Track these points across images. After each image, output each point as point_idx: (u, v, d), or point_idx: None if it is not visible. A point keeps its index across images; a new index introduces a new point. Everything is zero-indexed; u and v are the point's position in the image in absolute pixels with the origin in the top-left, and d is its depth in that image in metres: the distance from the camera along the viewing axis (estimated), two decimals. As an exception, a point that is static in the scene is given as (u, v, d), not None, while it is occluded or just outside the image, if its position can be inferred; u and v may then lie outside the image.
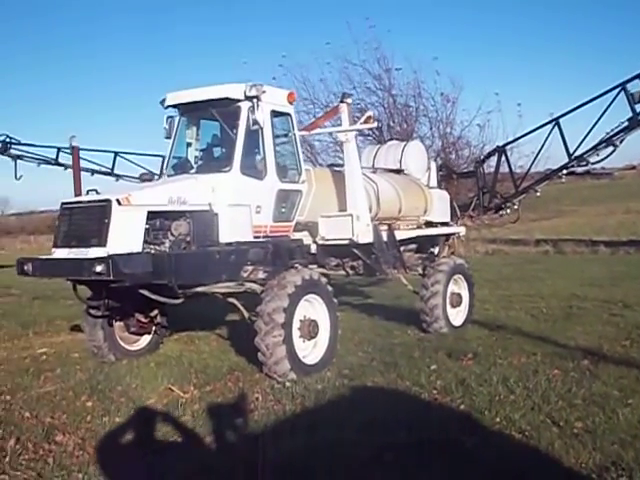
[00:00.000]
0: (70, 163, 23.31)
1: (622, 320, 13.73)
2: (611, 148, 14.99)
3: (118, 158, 24.26)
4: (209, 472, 6.70)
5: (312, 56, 32.82)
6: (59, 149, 24.18)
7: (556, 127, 15.66)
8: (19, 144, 24.61)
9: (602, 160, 15.45)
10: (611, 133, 14.57)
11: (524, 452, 6.90)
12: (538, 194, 16.77)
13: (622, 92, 14.44)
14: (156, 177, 12.90)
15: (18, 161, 24.87)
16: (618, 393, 8.57)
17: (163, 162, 20.38)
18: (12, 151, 24.55)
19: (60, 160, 24.48)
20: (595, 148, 14.93)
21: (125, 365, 11.46)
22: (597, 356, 10.61)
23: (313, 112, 29.57)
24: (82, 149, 22.40)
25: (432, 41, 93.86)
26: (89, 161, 22.87)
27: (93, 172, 23.60)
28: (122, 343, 12.07)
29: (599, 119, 14.86)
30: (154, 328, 12.37)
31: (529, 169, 18.50)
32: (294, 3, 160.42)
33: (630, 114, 14.40)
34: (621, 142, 14.78)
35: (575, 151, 15.16)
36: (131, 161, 24.01)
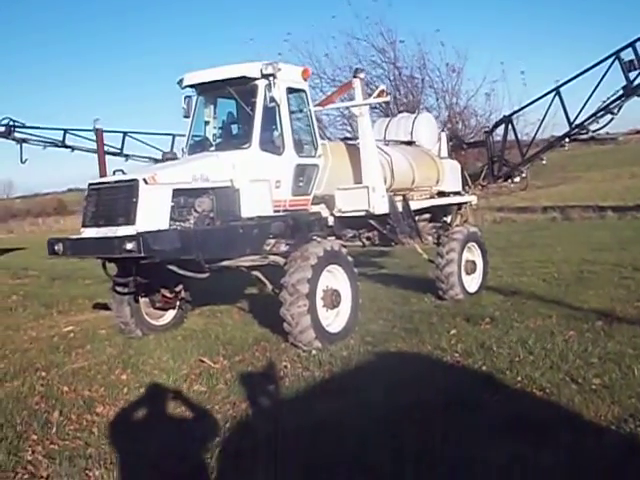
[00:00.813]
0: (77, 145, 23.71)
1: (633, 282, 14.02)
2: (610, 116, 15.20)
3: (127, 138, 24.38)
4: (249, 434, 7.08)
5: (317, 31, 33.06)
6: (65, 131, 24.23)
7: (557, 96, 15.89)
8: (23, 127, 24.53)
9: (602, 128, 15.72)
10: (607, 101, 14.78)
11: (546, 407, 7.25)
12: (544, 162, 17.06)
13: (616, 61, 14.59)
14: (166, 156, 13.19)
15: (23, 144, 24.77)
16: (632, 351, 8.90)
17: (173, 140, 20.80)
18: (16, 134, 24.41)
19: (67, 142, 24.52)
20: (594, 116, 15.14)
21: (153, 340, 11.83)
22: (610, 317, 10.94)
23: (320, 86, 29.81)
24: (87, 130, 22.84)
25: (435, 13, 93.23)
26: (95, 141, 22.32)
27: None
28: (148, 319, 12.43)
29: (596, 87, 15.13)
30: (178, 303, 12.71)
31: (534, 137, 18.77)
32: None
33: (625, 82, 14.58)
34: (619, 110, 14.98)
35: (575, 119, 15.40)
36: (141, 140, 24.11)
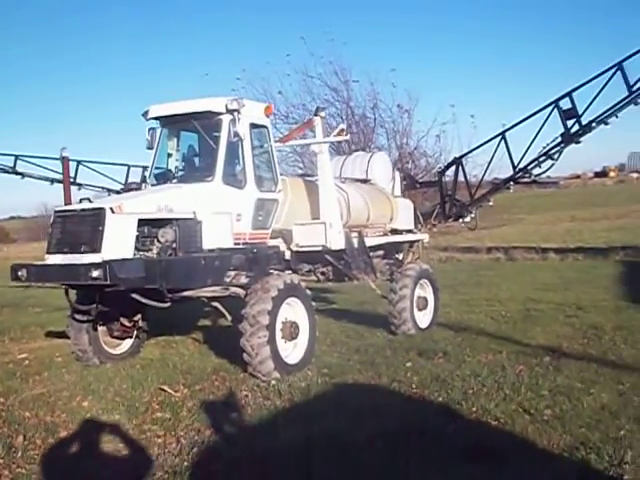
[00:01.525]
0: (28, 172, 23.19)
1: (577, 321, 14.52)
2: (551, 161, 15.70)
3: (80, 167, 24.06)
4: (217, 459, 7.28)
5: (272, 68, 33.43)
6: (17, 157, 23.21)
7: (503, 140, 16.38)
8: None
9: (544, 172, 16.15)
10: (547, 148, 15.27)
11: (501, 436, 7.60)
12: (491, 203, 17.46)
13: (555, 109, 15.11)
14: (130, 186, 13.33)
15: None
16: (580, 385, 9.32)
17: (128, 171, 20.82)
18: None
19: (17, 169, 23.27)
20: (536, 161, 15.61)
21: (111, 368, 11.90)
22: (558, 353, 11.40)
23: (274, 123, 30.14)
24: (40, 157, 22.46)
25: (388, 52, 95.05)
26: (48, 169, 22.47)
27: (52, 181, 22.94)
28: (106, 347, 12.49)
29: (537, 134, 15.54)
30: (136, 332, 12.82)
31: (482, 179, 19.15)
32: (253, 17, 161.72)
33: (562, 130, 15.10)
34: (559, 156, 15.43)
35: (519, 163, 15.84)
36: (95, 170, 23.76)
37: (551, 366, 10.51)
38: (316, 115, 13.17)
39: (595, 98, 14.35)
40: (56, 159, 21.55)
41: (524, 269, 27.35)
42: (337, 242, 12.80)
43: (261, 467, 6.84)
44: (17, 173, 23.00)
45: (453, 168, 18.13)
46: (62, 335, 13.86)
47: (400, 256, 15.89)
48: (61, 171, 21.51)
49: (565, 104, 15.06)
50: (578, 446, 7.06)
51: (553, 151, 15.20)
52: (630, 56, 14.24)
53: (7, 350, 14.50)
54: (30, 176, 22.86)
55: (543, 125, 15.32)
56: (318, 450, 7.20)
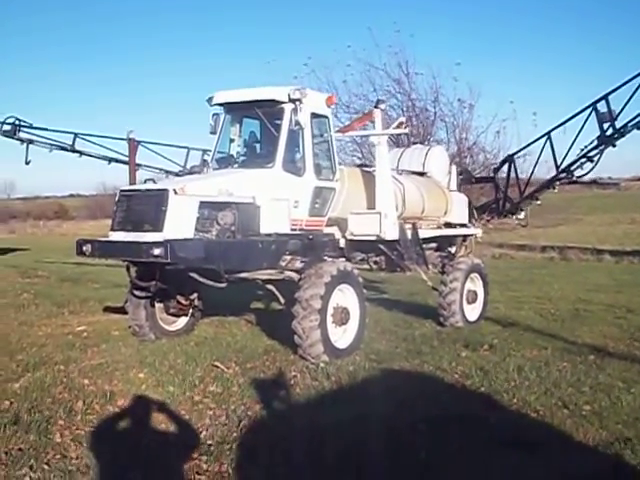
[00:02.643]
0: (87, 150, 23.20)
1: (625, 322, 14.64)
2: (591, 163, 15.57)
3: (139, 148, 24.05)
4: (264, 433, 7.66)
5: (336, 58, 33.32)
6: (76, 135, 22.77)
7: (548, 140, 16.32)
8: (30, 127, 23.03)
9: (586, 174, 15.98)
10: (585, 150, 15.20)
11: (539, 428, 7.84)
12: (539, 202, 17.37)
13: (593, 112, 15.00)
14: (184, 170, 13.70)
15: (29, 145, 23.09)
16: (622, 384, 9.49)
17: (188, 153, 21.18)
18: (22, 134, 22.93)
19: (76, 147, 22.89)
20: (575, 163, 15.53)
21: (166, 343, 12.33)
22: (602, 352, 11.55)
23: (335, 112, 30.35)
24: (99, 136, 22.60)
25: (452, 46, 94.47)
26: (108, 148, 22.34)
27: (110, 160, 22.79)
28: (162, 323, 12.96)
29: (576, 136, 15.39)
30: (191, 311, 13.26)
31: (530, 177, 18.95)
32: (319, 8, 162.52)
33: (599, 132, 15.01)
34: (599, 158, 15.24)
35: (561, 164, 15.81)
36: (154, 151, 23.82)
37: (594, 364, 10.68)
38: (376, 107, 13.44)
39: (628, 102, 14.25)
40: (115, 138, 21.83)
41: (578, 269, 27.36)
42: (391, 232, 13.06)
43: (306, 442, 7.16)
44: (75, 151, 22.86)
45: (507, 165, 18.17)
46: (119, 310, 14.42)
47: (453, 249, 16.10)
48: (119, 151, 22.06)
49: (603, 107, 14.97)
50: (613, 441, 7.26)
51: (592, 154, 15.12)
52: None
53: (67, 322, 15.05)
54: (88, 155, 22.73)
55: (582, 127, 15.25)
56: (362, 429, 7.51)
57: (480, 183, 20.15)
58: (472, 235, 16.40)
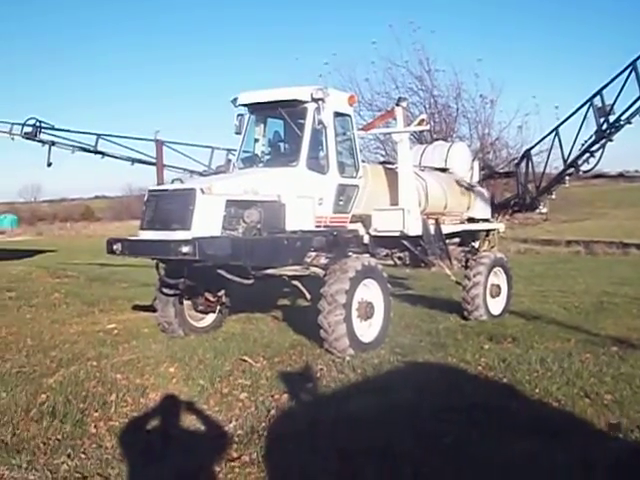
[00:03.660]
0: (110, 151, 23.09)
1: (650, 315, 14.71)
2: (595, 158, 15.51)
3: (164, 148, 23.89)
4: (291, 421, 7.90)
5: (358, 55, 33.42)
6: (99, 136, 22.24)
7: (556, 136, 16.33)
8: (52, 129, 22.60)
9: (592, 168, 15.85)
10: (586, 145, 15.18)
11: (561, 416, 8.03)
12: (553, 197, 17.34)
13: (591, 107, 14.95)
14: (210, 169, 13.92)
15: (52, 147, 22.55)
16: (644, 374, 9.64)
17: (212, 153, 21.35)
18: (43, 136, 22.42)
19: (99, 148, 22.29)
20: (580, 157, 15.48)
21: (195, 339, 12.63)
22: (625, 344, 11.69)
23: (358, 109, 30.50)
24: (120, 136, 22.44)
25: (473, 41, 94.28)
26: (130, 149, 21.95)
27: (133, 161, 22.33)
28: (190, 320, 13.27)
29: (579, 131, 15.23)
30: (219, 307, 13.55)
31: (543, 172, 18.93)
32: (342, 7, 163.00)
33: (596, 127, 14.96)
34: (602, 153, 15.13)
35: (568, 158, 15.83)
36: (178, 151, 23.63)
37: (617, 355, 10.82)
38: (398, 105, 13.65)
39: (618, 97, 14.18)
40: (139, 139, 21.64)
41: (603, 263, 27.42)
42: (414, 228, 13.28)
43: (333, 431, 7.40)
44: (98, 152, 22.43)
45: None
46: (148, 309, 14.75)
47: (476, 244, 16.28)
48: (142, 151, 22.15)
49: (600, 101, 14.83)
50: (634, 429, 7.41)
51: (593, 148, 15.09)
52: None
53: (97, 320, 15.39)
54: (111, 156, 22.51)
55: (582, 123, 15.19)
56: (387, 418, 7.74)
57: (501, 178, 20.23)
58: (495, 230, 16.56)
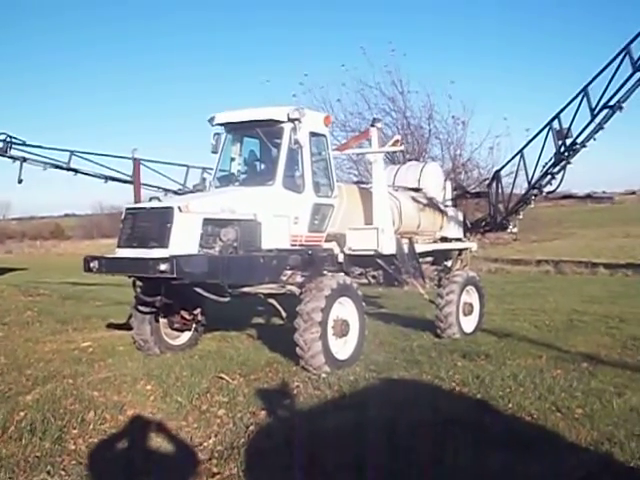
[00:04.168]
0: (81, 168, 22.55)
1: (618, 332, 14.98)
2: (556, 179, 15.74)
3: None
4: (270, 438, 8.00)
5: (331, 77, 33.69)
6: (72, 152, 21.81)
7: (521, 158, 16.56)
8: (24, 145, 21.96)
9: (555, 189, 16.10)
10: (546, 167, 15.43)
11: (533, 429, 8.20)
12: (520, 216, 17.51)
13: (550, 130, 15.19)
14: (185, 188, 14.04)
15: (23, 164, 21.78)
16: (613, 388, 9.87)
17: (187, 172, 21.38)
18: (14, 152, 21.71)
19: (72, 165, 21.77)
20: (544, 179, 15.71)
21: (171, 357, 12.67)
22: (595, 360, 11.92)
23: (331, 130, 30.69)
24: (95, 153, 22.05)
25: (445, 62, 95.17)
26: (104, 166, 21.46)
27: (107, 178, 21.83)
28: (166, 338, 13.30)
29: (540, 154, 15.39)
30: (195, 325, 13.60)
31: (511, 193, 19.06)
32: (312, 28, 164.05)
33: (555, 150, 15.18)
34: (563, 174, 15.30)
35: (531, 179, 16.04)
36: (153, 169, 23.38)
37: (587, 371, 11.05)
38: (372, 126, 13.86)
39: (572, 121, 14.41)
40: (114, 156, 21.53)
41: (572, 282, 27.71)
42: (388, 247, 13.47)
43: (310, 447, 7.51)
44: (71, 169, 21.98)
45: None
46: (122, 327, 14.80)
47: (449, 263, 16.48)
48: (116, 169, 21.82)
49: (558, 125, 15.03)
50: (604, 441, 7.62)
51: (554, 170, 15.30)
52: (595, 77, 14.10)
53: (72, 338, 15.35)
54: (85, 173, 22.08)
55: (543, 146, 15.37)
56: (363, 433, 7.87)
57: (473, 198, 20.48)
58: (467, 249, 16.78)
